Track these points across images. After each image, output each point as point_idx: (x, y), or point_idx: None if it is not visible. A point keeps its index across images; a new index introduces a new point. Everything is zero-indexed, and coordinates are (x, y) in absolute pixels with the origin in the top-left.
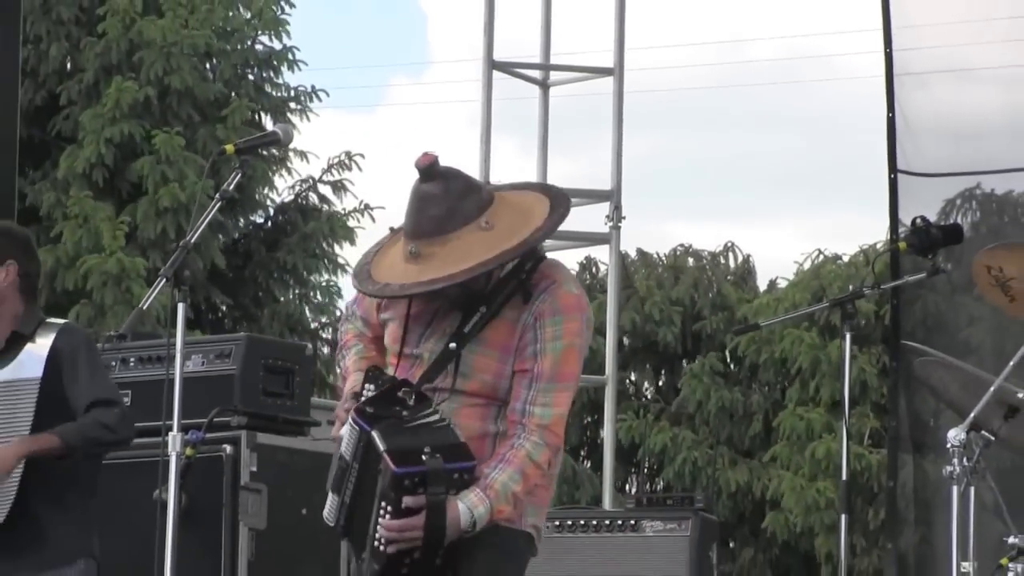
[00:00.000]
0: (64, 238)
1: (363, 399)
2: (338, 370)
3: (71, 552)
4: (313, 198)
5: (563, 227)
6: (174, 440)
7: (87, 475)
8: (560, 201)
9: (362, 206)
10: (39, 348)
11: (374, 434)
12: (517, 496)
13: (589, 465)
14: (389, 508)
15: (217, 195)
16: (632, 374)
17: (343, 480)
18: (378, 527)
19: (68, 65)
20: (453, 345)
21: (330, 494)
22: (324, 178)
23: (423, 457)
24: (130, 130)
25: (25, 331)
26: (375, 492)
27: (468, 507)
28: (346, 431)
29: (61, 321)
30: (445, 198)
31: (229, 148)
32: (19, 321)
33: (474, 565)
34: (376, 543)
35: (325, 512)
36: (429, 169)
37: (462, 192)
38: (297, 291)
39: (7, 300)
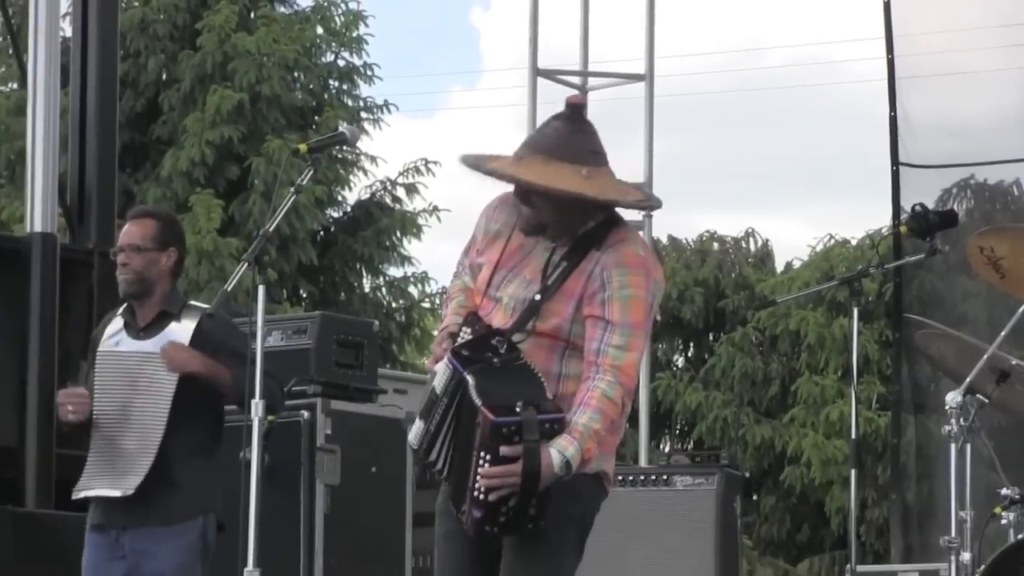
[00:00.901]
0: None
1: (460, 342)
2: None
3: (197, 506)
4: (387, 198)
5: None
6: (257, 407)
7: (216, 435)
8: (652, 200)
9: (431, 207)
10: (184, 327)
11: (469, 380)
12: (599, 433)
13: (627, 426)
14: (488, 457)
15: (292, 189)
16: (662, 345)
17: (431, 411)
18: (478, 477)
19: (164, 76)
20: (539, 298)
21: (417, 419)
22: (399, 180)
23: (517, 409)
24: (228, 134)
25: (172, 310)
26: (468, 441)
27: (559, 451)
28: (440, 367)
29: (202, 306)
30: (570, 135)
31: (303, 147)
32: (166, 300)
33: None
34: (476, 493)
35: (411, 436)
36: (577, 109)
37: (586, 141)
38: (371, 278)
39: (161, 282)
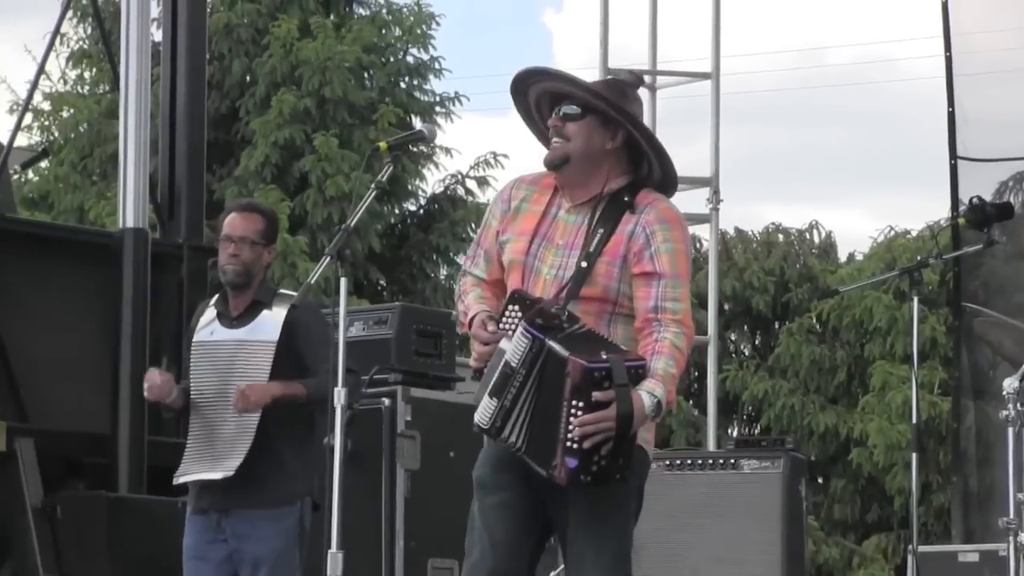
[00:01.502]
0: None
1: (516, 317)
2: (455, 313)
3: (296, 490)
4: (460, 190)
5: None
6: (339, 394)
7: (309, 420)
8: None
9: None
10: (275, 316)
11: (551, 343)
12: (675, 378)
13: (697, 413)
14: (580, 405)
15: (373, 185)
16: (732, 335)
17: (505, 386)
18: (570, 427)
19: (246, 78)
20: (585, 264)
21: (486, 398)
22: (471, 173)
23: (603, 355)
24: (292, 134)
25: (264, 299)
26: (554, 400)
27: (648, 392)
28: (514, 342)
29: (292, 294)
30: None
31: (382, 145)
32: (259, 291)
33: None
34: (570, 443)
35: (477, 416)
36: (638, 80)
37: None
38: (446, 269)
39: (259, 274)
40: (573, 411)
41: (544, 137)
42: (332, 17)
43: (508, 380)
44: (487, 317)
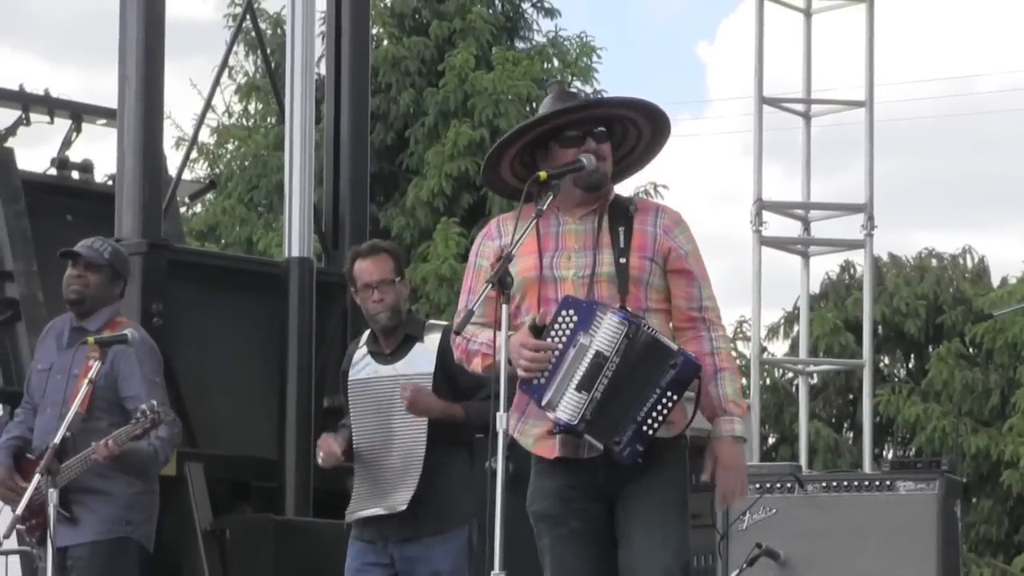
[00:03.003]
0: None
1: (572, 321)
2: (470, 367)
3: (464, 513)
4: None
5: (825, 234)
6: (502, 419)
7: (471, 445)
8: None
9: None
10: (428, 346)
11: (656, 333)
12: (741, 390)
13: (851, 436)
14: (675, 398)
15: (534, 214)
16: (885, 358)
17: (596, 377)
18: (654, 413)
19: (412, 109)
20: (623, 260)
21: (572, 393)
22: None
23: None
24: (465, 166)
25: (414, 333)
26: (638, 383)
27: (731, 435)
28: (603, 332)
29: (442, 323)
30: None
31: (542, 175)
32: (407, 324)
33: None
34: (646, 428)
35: (564, 414)
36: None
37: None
38: None
39: (406, 308)
40: (666, 400)
41: (507, 192)
42: (497, 49)
43: (599, 371)
44: (531, 325)
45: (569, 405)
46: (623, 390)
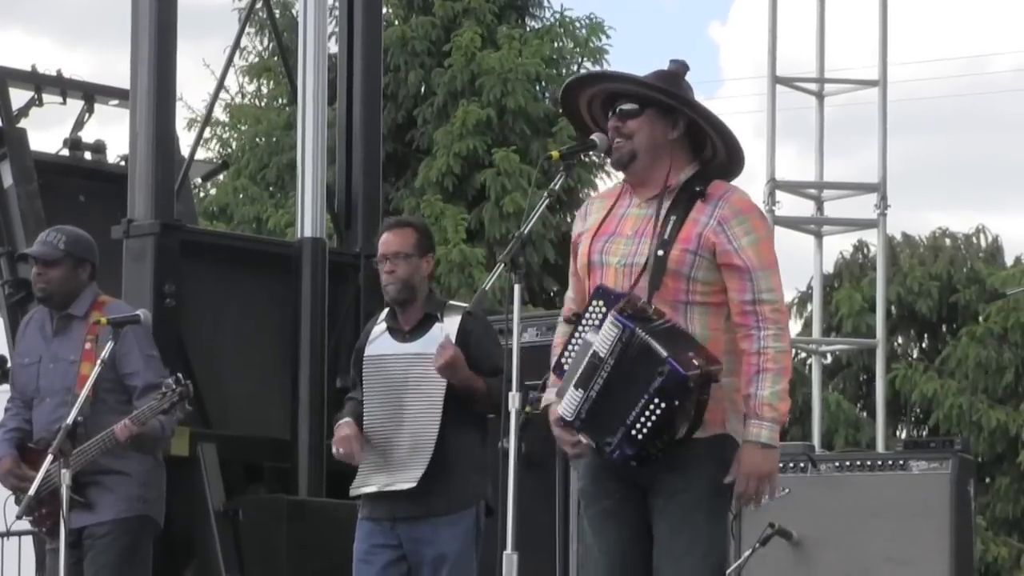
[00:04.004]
0: None
1: (622, 305)
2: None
3: (472, 495)
4: None
5: (838, 214)
6: (514, 399)
7: (483, 425)
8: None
9: None
10: (447, 327)
11: (641, 333)
12: (785, 391)
13: (865, 415)
14: (663, 406)
15: (545, 194)
16: (899, 338)
17: (592, 376)
18: (642, 419)
19: (421, 90)
20: (661, 252)
21: (571, 390)
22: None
23: (695, 362)
24: (474, 145)
25: (434, 312)
26: (632, 386)
27: (755, 441)
28: (603, 332)
29: (462, 304)
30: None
31: (555, 154)
32: (427, 304)
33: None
34: (635, 433)
35: (561, 409)
36: (685, 67)
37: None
38: None
39: (422, 286)
40: (653, 407)
41: (586, 128)
42: (504, 28)
43: (596, 371)
44: (574, 316)
45: (568, 401)
46: (618, 392)
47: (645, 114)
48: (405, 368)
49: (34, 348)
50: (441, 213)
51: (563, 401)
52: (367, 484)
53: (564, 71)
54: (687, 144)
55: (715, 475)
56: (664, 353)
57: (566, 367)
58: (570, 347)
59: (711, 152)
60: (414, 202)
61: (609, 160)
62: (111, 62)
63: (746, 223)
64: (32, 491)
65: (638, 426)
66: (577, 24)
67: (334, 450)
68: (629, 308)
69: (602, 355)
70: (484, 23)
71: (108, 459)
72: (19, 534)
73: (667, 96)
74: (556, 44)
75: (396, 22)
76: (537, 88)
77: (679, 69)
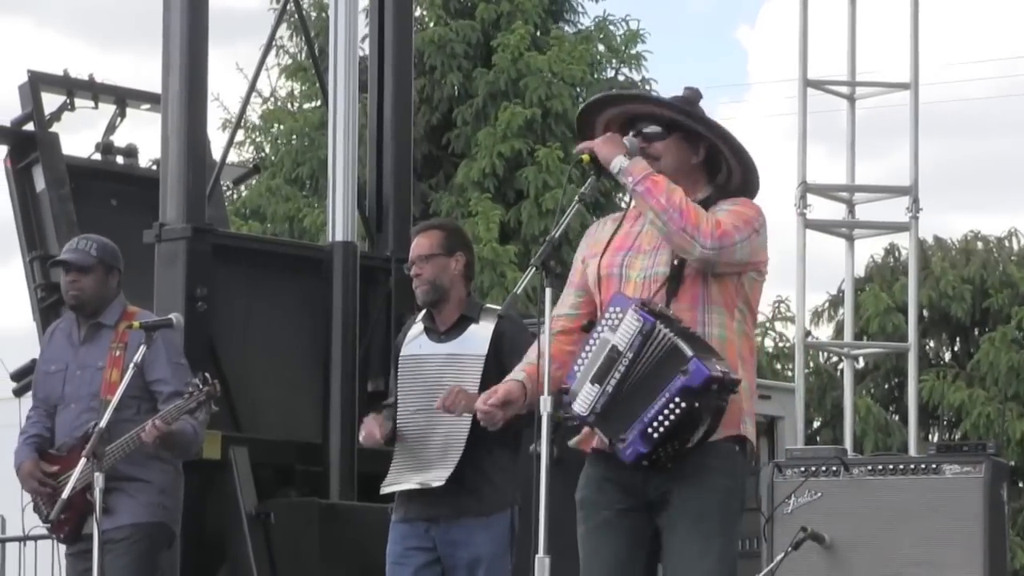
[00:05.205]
0: None
1: (640, 303)
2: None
3: (505, 499)
4: None
5: (869, 217)
6: (545, 402)
7: (519, 434)
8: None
9: None
10: (483, 329)
11: (663, 328)
12: (654, 191)
13: (897, 419)
14: (683, 406)
15: (576, 196)
16: (930, 342)
17: (609, 371)
18: (660, 417)
19: (457, 92)
20: (677, 262)
21: (587, 385)
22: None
23: (719, 367)
24: (518, 146)
25: (471, 314)
26: (650, 383)
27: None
28: (623, 327)
29: (499, 307)
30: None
31: (585, 157)
32: (464, 305)
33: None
34: (651, 431)
35: (576, 406)
36: (698, 94)
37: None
38: None
39: (455, 286)
40: (673, 406)
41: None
42: (554, 30)
43: (613, 364)
44: (583, 327)
45: (583, 396)
46: (636, 389)
47: (671, 138)
48: (440, 368)
49: (60, 356)
50: (478, 212)
51: (579, 396)
52: (397, 482)
53: (601, 76)
54: (704, 169)
55: (728, 485)
56: (689, 352)
57: (578, 370)
58: (586, 349)
59: (726, 176)
60: (453, 201)
61: None
62: (147, 67)
63: (734, 205)
64: (66, 494)
65: (655, 424)
66: (613, 29)
67: (360, 436)
68: (649, 306)
69: (621, 348)
70: (533, 23)
71: (130, 467)
72: (36, 539)
73: (695, 120)
74: (593, 49)
75: (432, 24)
76: (577, 92)
77: (694, 96)
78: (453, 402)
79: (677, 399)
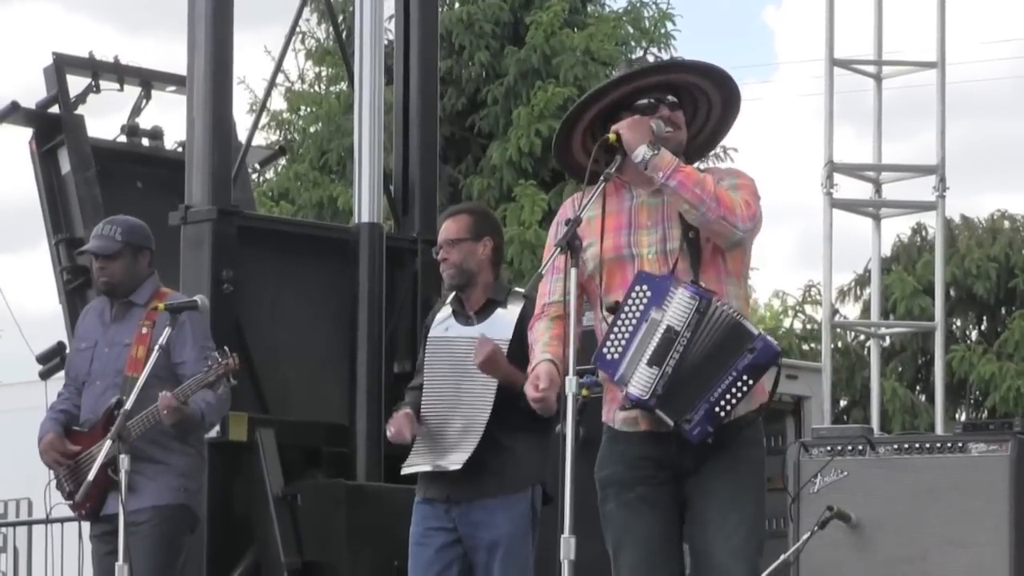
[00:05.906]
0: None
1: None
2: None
3: (526, 478)
4: None
5: (897, 196)
6: (571, 383)
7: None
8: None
9: None
10: (509, 314)
11: (735, 314)
12: (687, 184)
13: (924, 398)
14: (750, 383)
15: (601, 177)
16: (956, 321)
17: (667, 352)
18: (727, 396)
19: (486, 73)
20: (692, 234)
21: (644, 368)
22: (699, 166)
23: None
24: (553, 126)
25: (498, 298)
26: (721, 361)
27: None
28: (675, 306)
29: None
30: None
31: (611, 137)
32: (491, 289)
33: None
34: (719, 410)
35: (635, 388)
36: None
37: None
38: None
39: (483, 271)
40: (740, 384)
41: (578, 172)
42: (589, 7)
43: (671, 345)
44: (613, 304)
45: (641, 380)
46: (698, 368)
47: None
48: (466, 350)
49: (91, 333)
50: (516, 195)
51: (634, 379)
52: (415, 463)
53: (631, 55)
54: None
55: (759, 455)
56: (755, 330)
57: (613, 355)
58: (617, 331)
59: (705, 114)
60: (483, 183)
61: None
62: (175, 50)
63: (735, 180)
64: (91, 476)
65: (723, 403)
66: (644, 11)
67: (388, 432)
68: (693, 284)
69: (678, 328)
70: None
71: (151, 448)
72: (61, 521)
73: (685, 71)
74: (625, 30)
75: (456, 4)
76: (609, 72)
77: (641, 60)
78: (484, 355)
79: (745, 376)
